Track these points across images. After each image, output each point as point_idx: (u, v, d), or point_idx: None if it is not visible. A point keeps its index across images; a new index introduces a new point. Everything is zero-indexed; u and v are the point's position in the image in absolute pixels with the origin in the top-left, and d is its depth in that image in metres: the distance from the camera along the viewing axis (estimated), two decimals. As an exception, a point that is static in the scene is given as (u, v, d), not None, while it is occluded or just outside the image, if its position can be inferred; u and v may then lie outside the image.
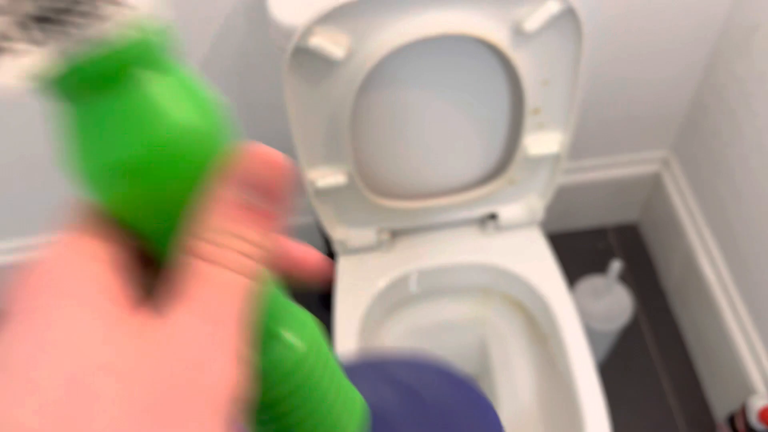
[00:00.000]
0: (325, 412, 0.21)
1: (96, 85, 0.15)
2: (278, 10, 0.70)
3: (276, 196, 0.18)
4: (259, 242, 0.17)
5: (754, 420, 0.95)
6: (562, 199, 1.23)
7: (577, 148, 1.17)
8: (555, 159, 0.85)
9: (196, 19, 0.84)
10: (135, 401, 0.14)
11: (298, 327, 0.21)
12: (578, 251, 1.35)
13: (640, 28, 0.95)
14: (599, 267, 1.18)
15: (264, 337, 0.20)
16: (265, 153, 0.18)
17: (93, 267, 0.16)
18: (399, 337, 0.99)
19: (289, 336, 0.20)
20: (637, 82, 1.05)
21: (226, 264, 0.16)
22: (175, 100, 0.16)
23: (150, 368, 0.15)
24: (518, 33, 0.69)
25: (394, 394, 0.25)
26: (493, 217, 0.93)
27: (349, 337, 0.86)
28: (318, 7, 0.65)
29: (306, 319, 0.22)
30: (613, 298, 1.04)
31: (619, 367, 1.21)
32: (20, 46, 0.14)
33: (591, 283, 1.06)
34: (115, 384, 0.14)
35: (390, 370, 0.27)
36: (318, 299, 1.32)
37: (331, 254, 1.25)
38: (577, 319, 0.86)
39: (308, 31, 0.66)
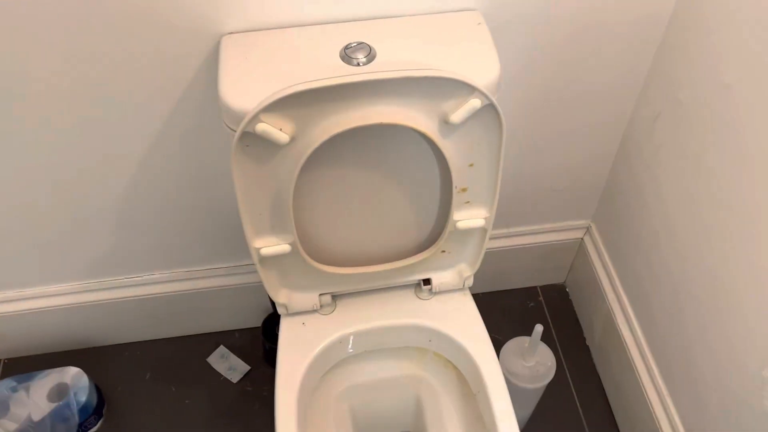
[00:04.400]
0: None
1: None
2: (228, 95, 0.76)
3: None
4: None
5: (664, 472, 1.03)
6: (497, 261, 1.33)
7: (510, 216, 1.26)
8: (482, 232, 0.93)
9: (155, 86, 0.90)
10: None
11: None
12: (511, 309, 1.44)
13: (560, 112, 1.06)
14: (530, 324, 1.26)
15: None
16: None
17: None
18: (338, 394, 1.03)
19: None
20: (559, 159, 1.16)
21: None
22: None
23: None
24: (445, 123, 0.78)
25: None
26: (426, 281, 1.00)
27: (290, 394, 0.91)
28: (264, 97, 0.72)
29: None
30: (539, 359, 1.12)
31: (546, 420, 1.28)
32: None
33: (518, 343, 1.14)
34: None
35: None
36: (263, 356, 1.36)
37: (276, 314, 1.30)
38: (501, 378, 0.93)
39: (255, 118, 0.72)
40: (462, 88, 0.74)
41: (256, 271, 1.05)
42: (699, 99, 0.91)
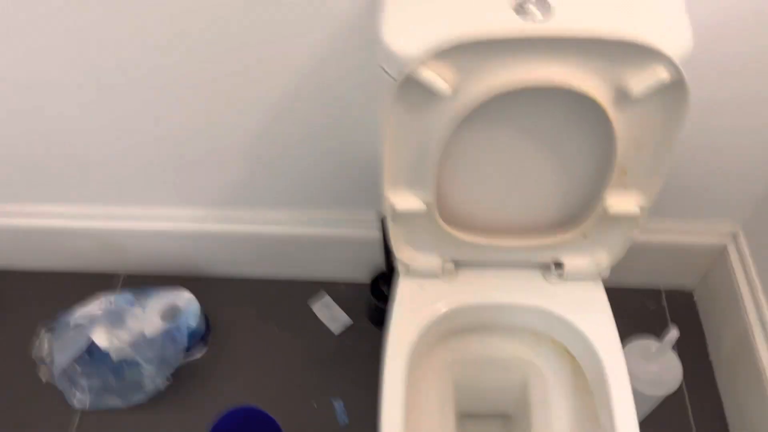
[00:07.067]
0: None
1: None
2: (389, 34, 0.72)
3: None
4: None
5: None
6: (621, 254, 1.23)
7: (647, 208, 1.16)
8: (632, 220, 0.85)
9: (306, 14, 0.87)
10: None
11: None
12: (627, 309, 1.33)
13: (738, 98, 0.95)
14: (647, 327, 1.17)
15: None
16: None
17: None
18: (446, 364, 1.00)
19: None
20: (722, 153, 1.04)
21: None
22: None
23: None
24: (623, 95, 0.70)
25: None
26: (558, 265, 0.93)
27: (399, 357, 0.88)
28: (434, 40, 0.67)
29: None
30: (663, 365, 1.04)
31: (655, 432, 1.19)
32: None
33: (641, 344, 1.06)
34: None
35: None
36: (367, 313, 1.34)
37: (390, 269, 1.27)
38: (627, 381, 0.86)
39: (421, 63, 0.68)
40: (652, 57, 0.66)
41: (372, 227, 1.02)
42: None
